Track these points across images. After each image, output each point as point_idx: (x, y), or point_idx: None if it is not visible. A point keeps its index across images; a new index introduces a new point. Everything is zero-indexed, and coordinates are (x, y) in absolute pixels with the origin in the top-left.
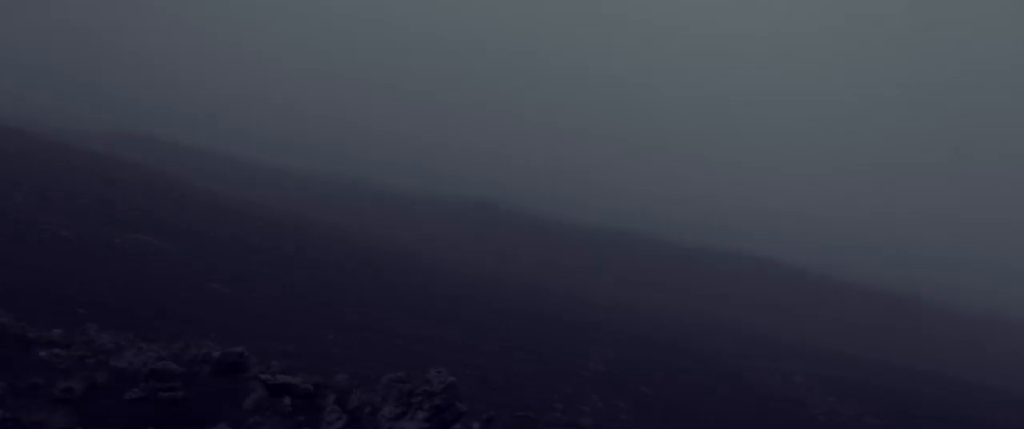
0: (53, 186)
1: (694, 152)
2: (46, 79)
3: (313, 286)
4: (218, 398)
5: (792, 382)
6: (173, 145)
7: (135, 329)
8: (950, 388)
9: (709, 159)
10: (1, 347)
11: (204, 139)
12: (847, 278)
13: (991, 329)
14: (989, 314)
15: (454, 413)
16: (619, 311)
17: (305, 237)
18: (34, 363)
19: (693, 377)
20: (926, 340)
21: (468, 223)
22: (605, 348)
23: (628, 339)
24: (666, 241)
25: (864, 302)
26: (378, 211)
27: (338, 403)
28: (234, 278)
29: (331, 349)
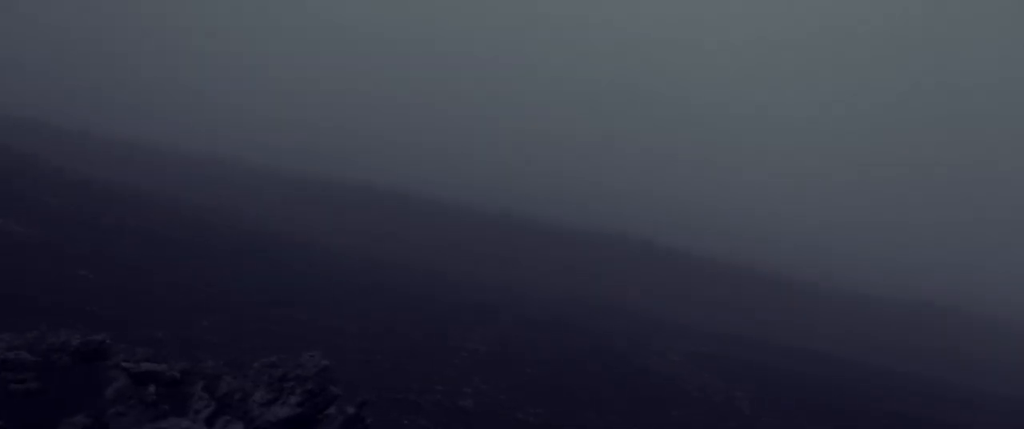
0: None
1: (607, 137)
2: None
3: (198, 273)
4: (76, 388)
5: (669, 360)
6: (76, 133)
7: None
8: (822, 365)
9: (616, 145)
10: None
11: (122, 129)
12: (735, 262)
13: (879, 311)
14: (880, 298)
15: (328, 397)
16: (505, 293)
17: (201, 224)
18: None
19: (575, 356)
20: (809, 322)
21: (372, 210)
22: (489, 330)
23: (512, 320)
24: (554, 225)
25: (749, 286)
26: (282, 198)
27: (206, 390)
28: (110, 264)
29: (205, 335)
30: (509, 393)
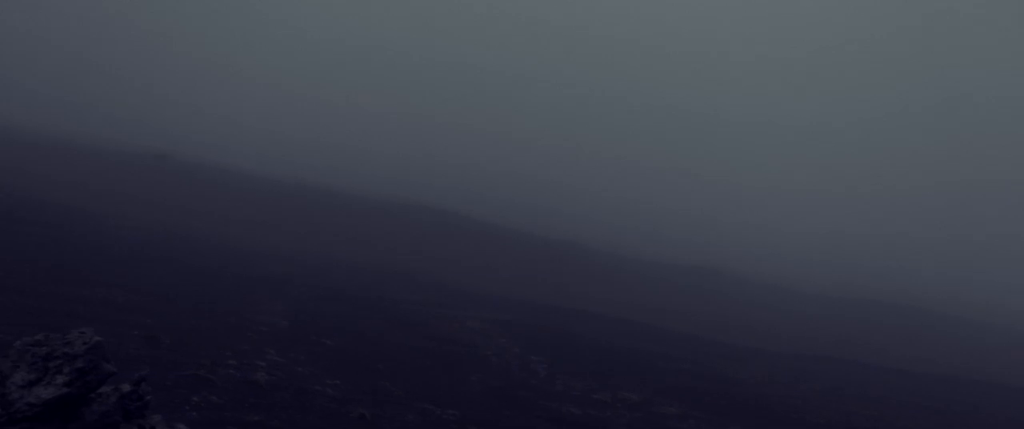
0: None
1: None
2: None
3: None
4: None
5: (468, 327)
6: None
7: None
8: (626, 332)
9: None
10: None
11: None
12: (548, 236)
13: (701, 280)
14: (699, 270)
15: (100, 375)
16: (303, 265)
17: None
18: None
19: (374, 326)
20: (617, 292)
21: (165, 181)
22: (286, 302)
23: (311, 292)
24: (356, 195)
25: (562, 260)
26: (88, 170)
27: None
28: None
29: None
30: (306, 365)
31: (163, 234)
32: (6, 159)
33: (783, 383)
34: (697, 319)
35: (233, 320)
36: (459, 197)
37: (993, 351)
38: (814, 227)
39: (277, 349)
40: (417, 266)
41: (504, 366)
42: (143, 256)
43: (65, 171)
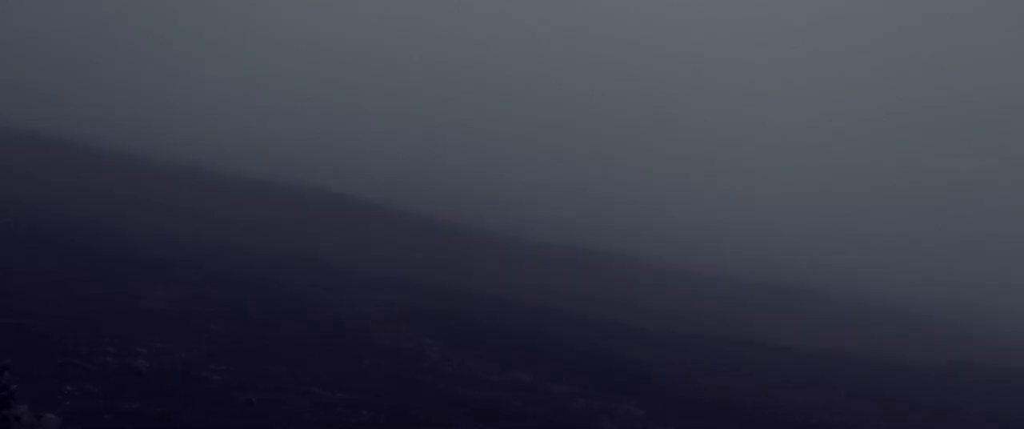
0: None
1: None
2: None
3: None
4: None
5: (361, 311)
6: None
7: None
8: (525, 312)
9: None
10: None
11: None
12: (452, 220)
13: (599, 264)
14: (599, 254)
15: None
16: (193, 248)
17: None
18: None
19: (265, 311)
20: (515, 272)
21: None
22: (172, 286)
23: (199, 276)
24: (259, 180)
25: (458, 240)
26: None
27: None
28: None
29: None
30: (190, 351)
31: (30, 212)
32: None
33: (673, 362)
34: (593, 301)
35: (112, 305)
36: (366, 182)
37: (879, 332)
38: (742, 220)
39: (160, 335)
40: (316, 250)
41: (397, 349)
42: (6, 235)
43: None
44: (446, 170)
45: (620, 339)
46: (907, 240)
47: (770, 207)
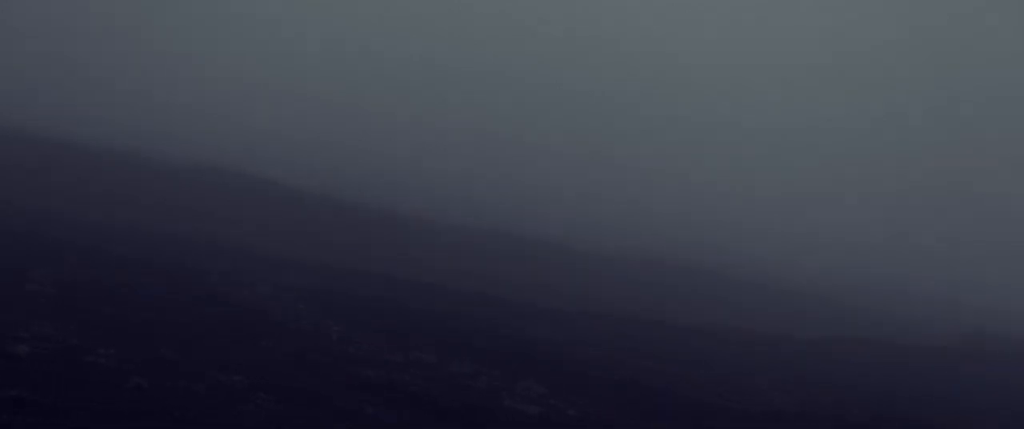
0: None
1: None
2: None
3: None
4: None
5: (259, 292)
6: None
7: None
8: (428, 292)
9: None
10: None
11: None
12: (363, 202)
13: (501, 244)
14: (504, 235)
15: None
16: (81, 230)
17: None
18: None
19: (158, 293)
20: (420, 252)
21: None
22: (57, 269)
23: (88, 258)
24: (162, 160)
25: (364, 221)
26: None
27: None
28: None
29: None
30: (79, 336)
31: None
32: None
33: (576, 340)
34: (499, 281)
35: None
36: (287, 167)
37: (792, 309)
38: (663, 204)
39: (46, 319)
40: (215, 231)
41: (296, 330)
42: None
43: None
44: (366, 155)
45: (525, 318)
46: (834, 228)
47: (694, 191)
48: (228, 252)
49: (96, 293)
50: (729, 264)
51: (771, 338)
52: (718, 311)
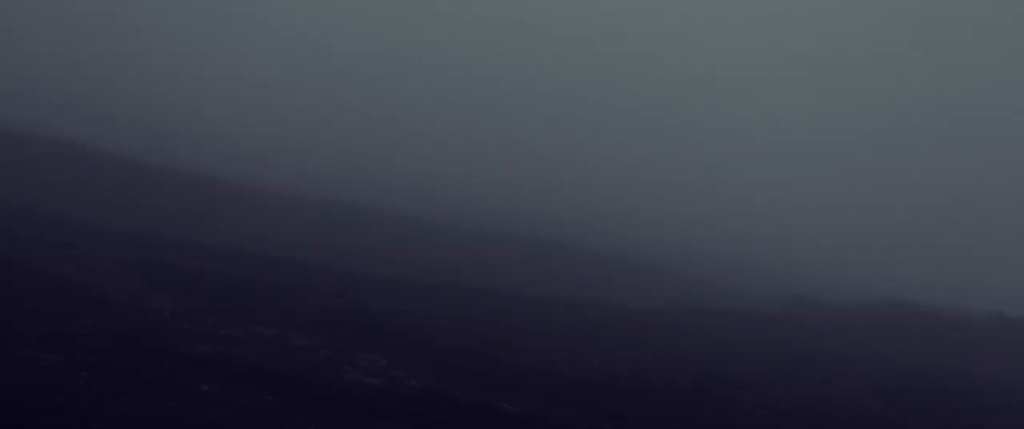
0: None
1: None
2: None
3: None
4: None
5: (86, 266)
6: None
7: None
8: (267, 264)
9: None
10: None
11: None
12: (194, 171)
13: (344, 215)
14: (343, 205)
15: None
16: None
17: None
18: None
19: None
20: (258, 223)
21: None
22: None
23: None
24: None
25: (198, 191)
26: None
27: None
28: None
29: None
30: None
31: None
32: None
33: (420, 312)
34: (337, 251)
35: None
36: (128, 139)
37: (633, 281)
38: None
39: None
40: (45, 205)
41: (123, 306)
42: None
43: None
44: (207, 123)
45: (365, 290)
46: (677, 203)
47: (548, 164)
48: (49, 223)
49: None
50: (575, 237)
51: (610, 308)
52: (561, 283)
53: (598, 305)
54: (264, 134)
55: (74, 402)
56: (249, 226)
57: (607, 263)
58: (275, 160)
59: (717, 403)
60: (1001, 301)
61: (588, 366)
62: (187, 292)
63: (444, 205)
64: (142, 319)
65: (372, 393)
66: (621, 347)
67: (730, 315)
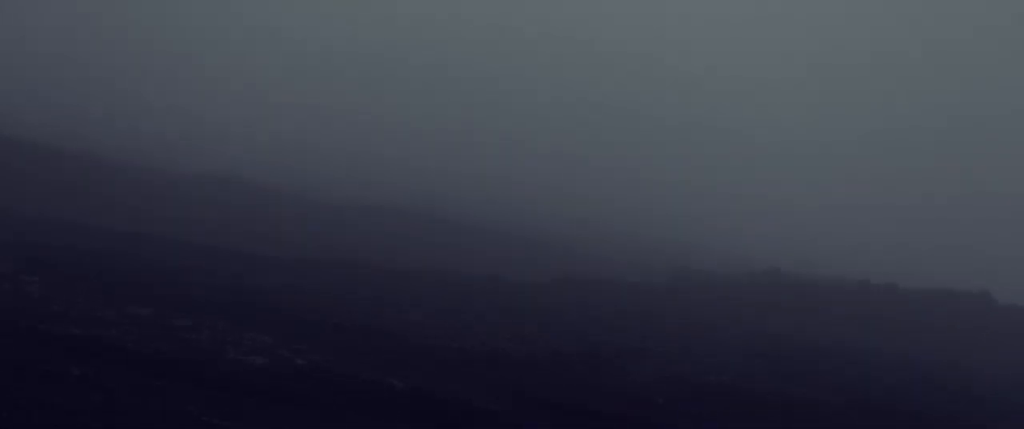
0: None
1: None
2: None
3: None
4: None
5: None
6: None
7: None
8: (143, 242)
9: None
10: None
11: None
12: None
13: (217, 192)
14: (218, 180)
15: None
16: None
17: None
18: None
19: None
20: (135, 201)
21: None
22: None
23: None
24: None
25: (73, 170)
26: None
27: None
28: None
29: None
30: None
31: None
32: None
33: (299, 289)
34: (213, 228)
35: None
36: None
37: (519, 254)
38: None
39: None
40: None
41: None
42: None
43: None
44: (87, 101)
45: (243, 266)
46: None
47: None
48: None
49: None
50: (463, 213)
51: (497, 282)
52: (446, 256)
53: (486, 279)
54: (153, 111)
55: None
56: (128, 204)
57: (498, 238)
58: (169, 140)
59: (599, 374)
60: (868, 270)
61: (474, 339)
62: (58, 272)
63: (308, 176)
64: (8, 303)
65: (257, 372)
66: (507, 320)
67: (614, 286)
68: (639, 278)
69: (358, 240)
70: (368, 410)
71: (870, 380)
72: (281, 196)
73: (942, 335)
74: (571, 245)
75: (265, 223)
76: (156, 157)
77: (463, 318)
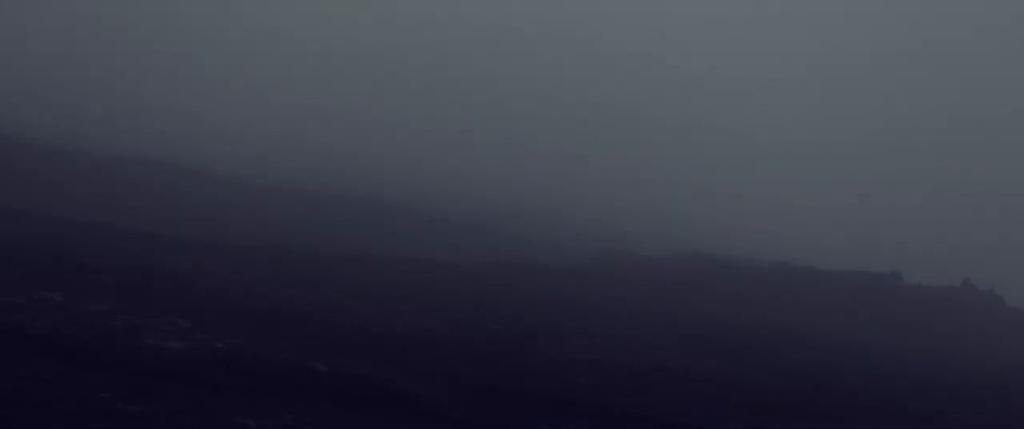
0: None
1: None
2: None
3: None
4: None
5: None
6: None
7: None
8: (57, 228)
9: None
10: None
11: None
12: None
13: (152, 174)
14: (155, 163)
15: None
16: None
17: None
18: None
19: None
20: (53, 185)
21: None
22: None
23: None
24: None
25: None
26: None
27: None
28: None
29: None
30: None
31: None
32: None
33: (216, 272)
34: (136, 214)
35: None
36: None
37: (457, 238)
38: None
39: None
40: None
41: None
42: None
43: None
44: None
45: (165, 251)
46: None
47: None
48: None
49: None
50: (400, 196)
51: (424, 264)
52: (380, 241)
53: (412, 262)
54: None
55: None
56: (34, 188)
57: (427, 222)
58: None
59: (523, 355)
60: (785, 252)
61: (402, 322)
62: None
63: (242, 160)
64: None
65: (175, 357)
66: (435, 303)
67: (544, 269)
68: (563, 260)
69: (282, 223)
70: (291, 394)
71: (795, 359)
72: (202, 177)
73: (848, 315)
74: (493, 226)
75: (186, 207)
76: (120, 147)
77: (389, 301)
